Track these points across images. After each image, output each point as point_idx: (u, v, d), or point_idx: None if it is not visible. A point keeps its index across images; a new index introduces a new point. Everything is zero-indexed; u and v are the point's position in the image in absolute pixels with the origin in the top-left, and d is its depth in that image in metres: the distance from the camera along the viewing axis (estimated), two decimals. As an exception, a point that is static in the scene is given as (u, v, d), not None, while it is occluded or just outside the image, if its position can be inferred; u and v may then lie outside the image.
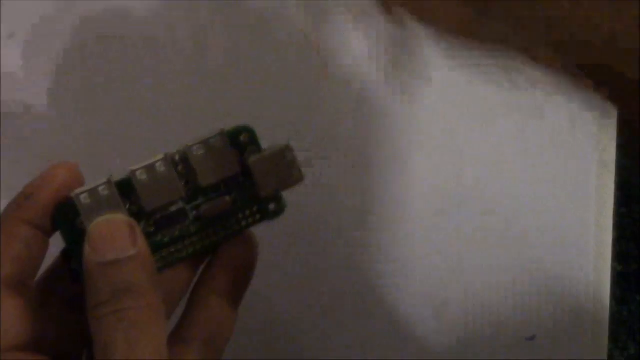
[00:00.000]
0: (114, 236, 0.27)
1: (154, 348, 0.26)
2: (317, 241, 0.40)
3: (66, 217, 0.28)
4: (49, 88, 0.40)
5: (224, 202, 0.30)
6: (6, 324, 0.28)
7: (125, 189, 0.28)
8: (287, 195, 0.30)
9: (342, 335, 0.40)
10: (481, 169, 0.40)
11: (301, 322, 0.40)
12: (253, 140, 0.29)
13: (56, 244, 0.29)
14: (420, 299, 0.40)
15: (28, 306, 0.29)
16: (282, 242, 0.40)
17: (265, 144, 0.29)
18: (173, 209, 0.29)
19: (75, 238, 0.28)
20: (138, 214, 0.29)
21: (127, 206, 0.29)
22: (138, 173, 0.28)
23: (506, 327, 0.40)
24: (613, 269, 0.42)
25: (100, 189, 0.28)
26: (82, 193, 0.28)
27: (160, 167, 0.28)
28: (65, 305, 0.30)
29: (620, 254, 0.42)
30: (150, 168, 0.28)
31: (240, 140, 0.29)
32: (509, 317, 0.40)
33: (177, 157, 0.29)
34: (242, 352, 0.38)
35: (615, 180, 0.41)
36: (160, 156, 0.29)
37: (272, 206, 0.30)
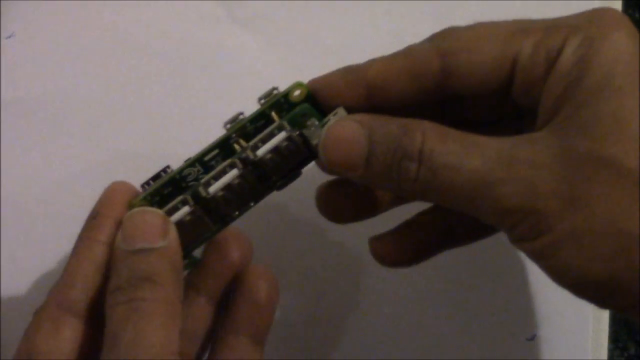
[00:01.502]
0: (145, 226, 0.27)
1: (160, 346, 0.26)
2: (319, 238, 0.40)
3: None
4: (49, 88, 0.40)
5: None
6: (53, 352, 0.27)
7: (202, 202, 0.29)
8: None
9: (342, 334, 0.40)
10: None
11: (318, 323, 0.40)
12: (311, 113, 0.30)
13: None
14: (419, 298, 0.40)
15: (86, 332, 0.28)
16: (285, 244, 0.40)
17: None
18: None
19: None
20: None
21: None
22: (212, 189, 0.29)
23: (506, 327, 0.40)
24: (613, 269, 0.42)
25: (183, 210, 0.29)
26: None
27: (235, 180, 0.29)
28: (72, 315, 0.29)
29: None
30: (226, 186, 0.29)
31: (299, 121, 0.29)
32: (509, 317, 0.40)
33: (248, 164, 0.29)
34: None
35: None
36: (232, 168, 0.29)
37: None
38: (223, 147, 0.30)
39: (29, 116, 0.40)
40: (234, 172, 0.29)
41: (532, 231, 0.26)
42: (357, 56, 0.30)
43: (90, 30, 0.41)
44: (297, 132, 0.29)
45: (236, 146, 0.30)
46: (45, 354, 0.27)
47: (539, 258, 0.26)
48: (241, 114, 0.29)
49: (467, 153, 0.26)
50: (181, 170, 0.29)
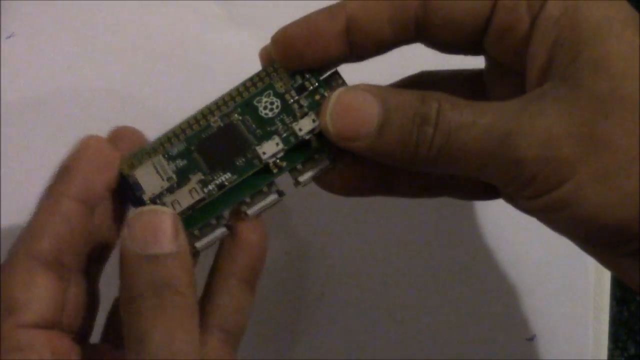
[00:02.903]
0: (156, 229, 0.27)
1: (192, 343, 0.26)
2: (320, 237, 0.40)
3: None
4: (49, 88, 0.40)
5: None
6: (31, 299, 0.27)
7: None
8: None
9: (342, 334, 0.40)
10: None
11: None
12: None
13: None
14: (419, 299, 0.40)
15: (58, 284, 0.28)
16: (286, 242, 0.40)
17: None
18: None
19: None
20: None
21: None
22: (250, 212, 0.30)
23: (506, 327, 0.40)
24: (613, 269, 0.42)
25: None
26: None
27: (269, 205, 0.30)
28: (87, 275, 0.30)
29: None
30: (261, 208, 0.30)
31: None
32: (509, 317, 0.40)
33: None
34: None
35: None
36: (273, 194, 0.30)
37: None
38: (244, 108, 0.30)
39: (29, 116, 0.40)
40: (273, 198, 0.30)
41: (552, 180, 0.25)
42: (364, 75, 0.30)
43: (90, 30, 0.41)
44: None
45: (273, 167, 0.30)
46: (25, 305, 0.27)
47: (560, 209, 0.26)
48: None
49: (478, 113, 0.26)
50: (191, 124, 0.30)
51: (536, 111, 0.26)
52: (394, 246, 0.40)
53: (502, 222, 0.40)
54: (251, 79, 0.30)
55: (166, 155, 0.30)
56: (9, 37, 0.40)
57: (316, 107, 0.29)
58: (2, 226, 0.38)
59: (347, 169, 0.30)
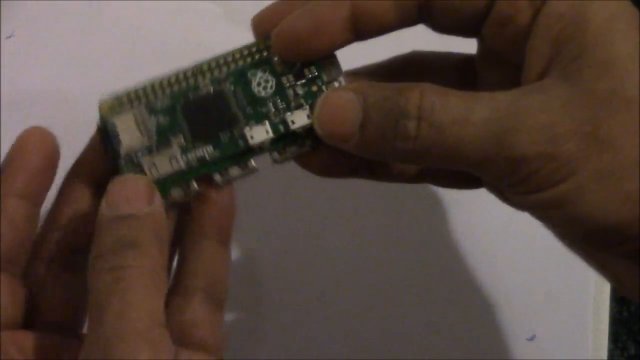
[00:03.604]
0: (130, 193, 0.27)
1: (147, 319, 0.25)
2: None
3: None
4: (49, 88, 0.40)
5: None
6: None
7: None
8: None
9: (342, 334, 0.40)
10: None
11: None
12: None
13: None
14: (419, 298, 0.40)
15: (14, 283, 0.28)
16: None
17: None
18: None
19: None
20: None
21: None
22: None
23: (506, 327, 0.40)
24: (613, 269, 0.42)
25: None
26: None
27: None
28: (63, 267, 0.29)
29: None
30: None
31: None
32: (509, 317, 0.40)
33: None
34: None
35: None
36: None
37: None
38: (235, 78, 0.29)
39: (29, 116, 0.40)
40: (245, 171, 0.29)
41: (552, 177, 0.25)
42: (357, 56, 0.30)
43: (90, 30, 0.41)
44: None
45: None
46: None
47: (557, 206, 0.25)
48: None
49: (472, 106, 0.25)
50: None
51: (537, 107, 0.25)
52: (394, 246, 0.40)
53: (502, 222, 0.40)
54: (248, 46, 0.29)
55: (149, 107, 0.29)
56: (9, 37, 0.40)
57: (311, 99, 0.29)
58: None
59: (327, 153, 0.29)
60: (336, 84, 0.29)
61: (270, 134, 0.28)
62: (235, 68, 0.29)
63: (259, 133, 0.28)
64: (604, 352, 0.41)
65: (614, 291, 0.42)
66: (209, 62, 0.29)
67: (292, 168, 0.30)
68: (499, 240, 0.41)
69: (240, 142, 0.28)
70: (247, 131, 0.28)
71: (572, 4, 0.26)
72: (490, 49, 0.29)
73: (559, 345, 0.40)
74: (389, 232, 0.40)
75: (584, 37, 0.25)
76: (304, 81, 0.29)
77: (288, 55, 0.29)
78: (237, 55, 0.29)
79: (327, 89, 0.29)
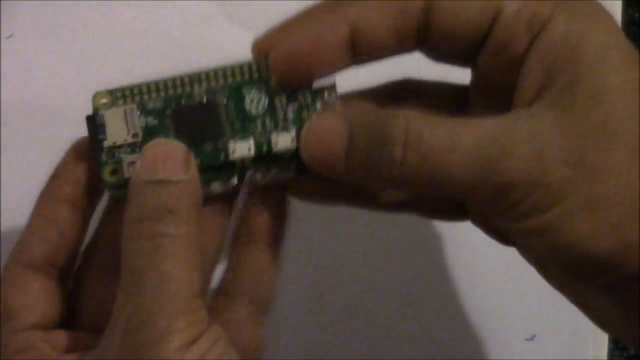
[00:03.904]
0: (168, 158, 0.27)
1: (186, 290, 0.26)
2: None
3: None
4: (49, 88, 0.40)
5: None
6: (26, 304, 0.28)
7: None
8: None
9: (342, 333, 0.40)
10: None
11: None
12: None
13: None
14: (419, 298, 0.40)
15: (54, 286, 0.29)
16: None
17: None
18: None
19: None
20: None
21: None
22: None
23: (506, 327, 0.40)
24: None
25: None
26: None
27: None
28: (102, 269, 0.30)
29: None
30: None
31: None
32: (509, 317, 0.40)
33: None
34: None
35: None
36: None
37: None
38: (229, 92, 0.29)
39: (29, 116, 0.40)
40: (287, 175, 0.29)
41: (540, 204, 0.25)
42: (352, 80, 0.30)
43: (90, 30, 0.41)
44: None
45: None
46: (21, 310, 0.28)
47: (545, 233, 0.25)
48: None
49: (459, 132, 0.25)
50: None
51: (526, 133, 0.25)
52: (394, 245, 0.40)
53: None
54: (249, 64, 0.29)
55: (141, 107, 0.29)
56: (9, 37, 0.40)
57: (299, 125, 0.29)
58: (2, 226, 0.38)
59: (312, 180, 0.29)
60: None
61: (252, 152, 0.28)
62: (232, 82, 0.29)
63: (242, 148, 0.28)
64: (604, 352, 0.41)
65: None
66: (207, 72, 0.29)
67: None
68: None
69: (222, 155, 0.28)
70: (231, 145, 0.28)
71: (568, 32, 0.26)
72: (484, 77, 0.29)
73: (559, 345, 0.40)
74: (390, 231, 0.40)
75: (577, 67, 0.26)
76: (296, 106, 0.29)
77: (285, 77, 0.29)
78: (237, 70, 0.29)
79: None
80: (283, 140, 0.28)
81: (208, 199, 0.29)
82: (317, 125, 0.28)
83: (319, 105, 0.29)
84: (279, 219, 0.30)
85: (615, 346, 0.42)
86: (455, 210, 0.31)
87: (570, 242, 0.25)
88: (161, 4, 0.41)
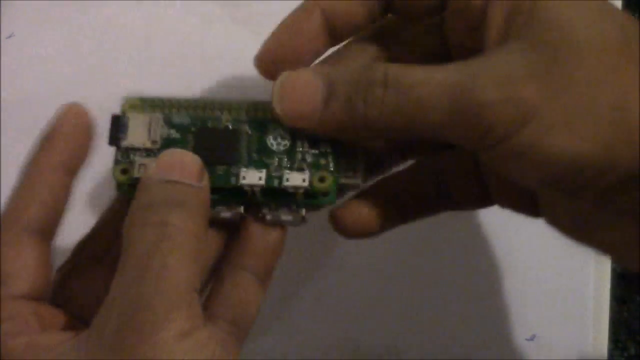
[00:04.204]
0: (184, 166, 0.27)
1: (185, 284, 0.26)
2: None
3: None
4: (49, 88, 0.40)
5: None
6: (21, 270, 0.28)
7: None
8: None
9: (343, 333, 0.40)
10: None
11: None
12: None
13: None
14: (419, 299, 0.40)
15: (45, 253, 0.29)
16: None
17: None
18: None
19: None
20: None
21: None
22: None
23: (506, 327, 0.40)
24: (613, 269, 0.42)
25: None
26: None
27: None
28: (94, 261, 0.31)
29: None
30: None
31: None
32: (509, 317, 0.40)
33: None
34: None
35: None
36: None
37: None
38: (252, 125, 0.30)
39: (29, 116, 0.40)
40: (293, 218, 0.30)
41: (515, 121, 0.25)
42: None
43: (91, 30, 0.41)
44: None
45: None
46: (14, 276, 0.28)
47: (526, 152, 0.25)
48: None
49: (433, 71, 0.26)
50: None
51: (494, 60, 0.26)
52: (394, 245, 0.40)
53: (502, 222, 0.40)
54: None
55: (167, 118, 0.30)
56: (9, 37, 0.40)
57: (315, 170, 0.29)
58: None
59: (351, 210, 0.31)
60: (346, 180, 0.30)
61: (262, 181, 0.29)
62: (260, 116, 0.30)
63: (252, 176, 0.29)
64: (604, 352, 0.41)
65: (614, 291, 0.42)
66: (238, 102, 0.30)
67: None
68: (499, 240, 0.41)
69: (232, 179, 0.29)
70: (243, 171, 0.29)
71: None
72: (454, 45, 0.30)
73: (559, 345, 0.40)
74: (388, 232, 0.40)
75: (534, 6, 0.26)
76: (316, 152, 0.29)
77: (271, 69, 0.30)
78: (268, 107, 0.29)
79: (334, 174, 0.29)
80: (295, 178, 0.29)
81: (212, 222, 0.29)
82: (293, 78, 0.28)
83: (338, 166, 0.29)
84: (275, 252, 0.31)
85: (615, 346, 0.42)
86: (480, 195, 0.31)
87: (552, 156, 0.25)
88: (163, 4, 0.41)
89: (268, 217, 0.30)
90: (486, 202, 0.32)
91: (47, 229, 0.29)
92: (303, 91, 0.28)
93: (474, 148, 0.27)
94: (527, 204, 0.31)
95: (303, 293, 0.40)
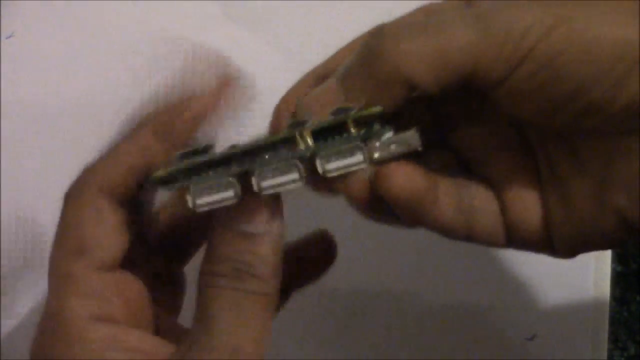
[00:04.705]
0: (255, 206, 0.26)
1: (257, 338, 0.25)
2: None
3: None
4: (49, 88, 0.40)
5: None
6: (102, 242, 0.26)
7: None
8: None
9: (344, 333, 0.40)
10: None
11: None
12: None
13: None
14: (419, 299, 0.40)
15: (126, 223, 0.27)
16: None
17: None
18: None
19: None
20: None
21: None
22: (266, 184, 0.26)
23: (506, 327, 0.40)
24: (613, 269, 0.42)
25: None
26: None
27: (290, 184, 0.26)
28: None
29: (620, 254, 0.42)
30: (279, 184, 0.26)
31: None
32: (509, 317, 0.40)
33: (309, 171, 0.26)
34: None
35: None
36: (293, 170, 0.26)
37: None
38: (281, 142, 0.26)
39: (29, 116, 0.40)
40: (294, 176, 0.26)
41: (551, 24, 0.25)
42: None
43: (90, 30, 0.41)
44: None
45: (301, 142, 0.26)
46: (95, 246, 0.26)
47: (564, 48, 0.25)
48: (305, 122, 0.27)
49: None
50: (226, 157, 0.26)
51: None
52: (394, 245, 0.40)
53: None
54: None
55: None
56: (9, 37, 0.40)
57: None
58: (2, 226, 0.38)
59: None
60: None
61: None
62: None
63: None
64: (604, 352, 0.41)
65: (614, 291, 0.42)
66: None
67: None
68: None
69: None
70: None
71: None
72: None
73: (559, 345, 0.40)
74: (389, 231, 0.40)
75: None
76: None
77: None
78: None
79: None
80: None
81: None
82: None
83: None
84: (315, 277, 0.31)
85: (615, 346, 0.42)
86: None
87: (595, 41, 0.25)
88: (162, 4, 0.41)
89: (264, 183, 0.25)
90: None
91: (131, 196, 0.27)
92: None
93: (504, 69, 0.26)
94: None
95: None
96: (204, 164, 0.26)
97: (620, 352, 0.42)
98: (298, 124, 0.26)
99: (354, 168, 0.27)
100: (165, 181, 0.26)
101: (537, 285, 0.41)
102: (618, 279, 0.42)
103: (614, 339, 0.42)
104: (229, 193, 0.25)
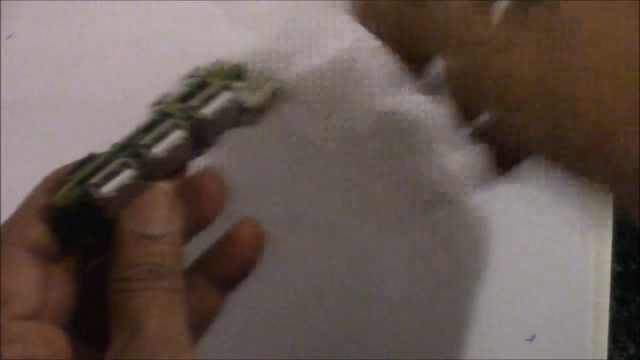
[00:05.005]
0: (156, 206, 0.27)
1: (185, 330, 0.26)
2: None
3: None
4: (49, 88, 0.40)
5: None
6: (22, 292, 0.27)
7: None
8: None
9: (345, 333, 0.40)
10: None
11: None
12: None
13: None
14: (419, 299, 0.40)
15: (45, 275, 0.28)
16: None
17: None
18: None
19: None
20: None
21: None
22: (157, 150, 0.28)
23: (506, 327, 0.40)
24: (613, 269, 0.42)
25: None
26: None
27: (179, 141, 0.28)
28: (85, 275, 0.30)
29: (620, 254, 0.42)
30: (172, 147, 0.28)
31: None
32: (509, 317, 0.40)
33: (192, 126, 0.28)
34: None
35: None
36: (176, 129, 0.28)
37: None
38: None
39: (29, 116, 0.40)
40: (178, 134, 0.28)
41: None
42: None
43: (90, 30, 0.41)
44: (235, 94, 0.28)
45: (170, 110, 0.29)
46: (16, 295, 0.27)
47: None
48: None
49: None
50: (110, 155, 0.28)
51: None
52: (394, 245, 0.40)
53: (502, 222, 0.40)
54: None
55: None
56: (9, 37, 0.40)
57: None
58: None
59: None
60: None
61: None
62: None
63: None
64: (604, 352, 0.41)
65: (614, 291, 0.42)
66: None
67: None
68: (499, 240, 0.41)
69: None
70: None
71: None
72: None
73: (559, 345, 0.40)
74: (389, 231, 0.40)
75: None
76: None
77: None
78: None
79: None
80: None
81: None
82: None
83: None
84: (249, 266, 0.31)
85: (615, 346, 0.42)
86: None
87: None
88: (161, 4, 0.41)
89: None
90: None
91: (49, 250, 0.28)
92: None
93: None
94: None
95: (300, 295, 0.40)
96: (93, 170, 0.28)
97: (620, 352, 0.42)
98: (159, 102, 0.29)
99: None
100: (68, 203, 0.28)
101: (537, 285, 0.41)
102: (618, 279, 0.42)
103: (614, 339, 0.42)
104: (129, 171, 0.27)
